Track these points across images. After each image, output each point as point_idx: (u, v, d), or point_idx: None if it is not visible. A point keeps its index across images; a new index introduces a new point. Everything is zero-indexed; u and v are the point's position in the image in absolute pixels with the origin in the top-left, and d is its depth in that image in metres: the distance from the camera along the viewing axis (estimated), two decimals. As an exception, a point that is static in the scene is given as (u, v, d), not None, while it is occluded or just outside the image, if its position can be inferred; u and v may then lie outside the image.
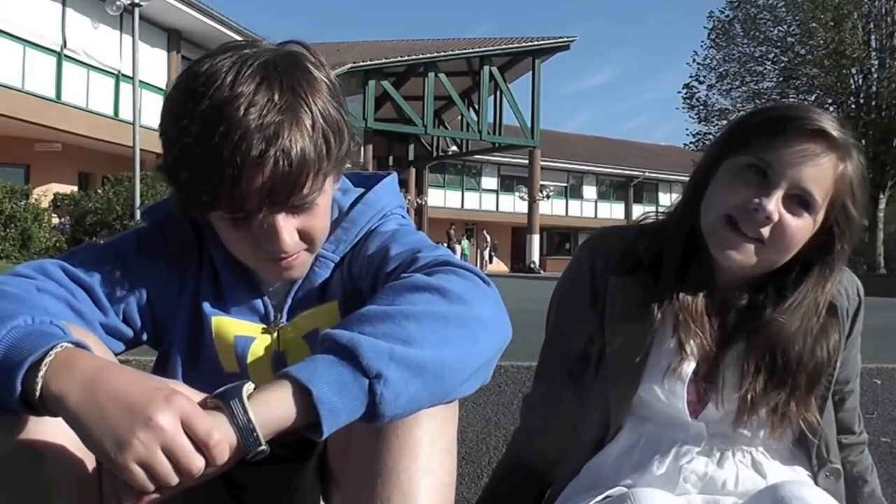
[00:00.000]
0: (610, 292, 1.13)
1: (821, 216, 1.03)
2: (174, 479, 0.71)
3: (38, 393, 0.74)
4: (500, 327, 0.90)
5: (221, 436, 0.73)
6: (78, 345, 0.79)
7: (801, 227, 1.02)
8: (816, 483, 1.10)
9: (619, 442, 1.13)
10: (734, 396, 1.07)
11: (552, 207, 33.37)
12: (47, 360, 0.75)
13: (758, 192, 1.01)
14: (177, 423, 0.71)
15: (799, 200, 1.01)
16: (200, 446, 0.72)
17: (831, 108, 23.38)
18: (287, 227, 0.93)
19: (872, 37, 22.88)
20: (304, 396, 0.76)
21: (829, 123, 1.02)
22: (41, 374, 0.75)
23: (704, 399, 1.09)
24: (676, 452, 1.09)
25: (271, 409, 0.76)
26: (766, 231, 1.01)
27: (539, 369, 1.26)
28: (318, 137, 0.89)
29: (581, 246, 1.22)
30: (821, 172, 1.01)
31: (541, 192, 26.52)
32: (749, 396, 1.05)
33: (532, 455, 1.24)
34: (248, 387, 0.77)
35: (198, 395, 0.78)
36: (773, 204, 1.00)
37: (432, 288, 0.85)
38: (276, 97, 0.87)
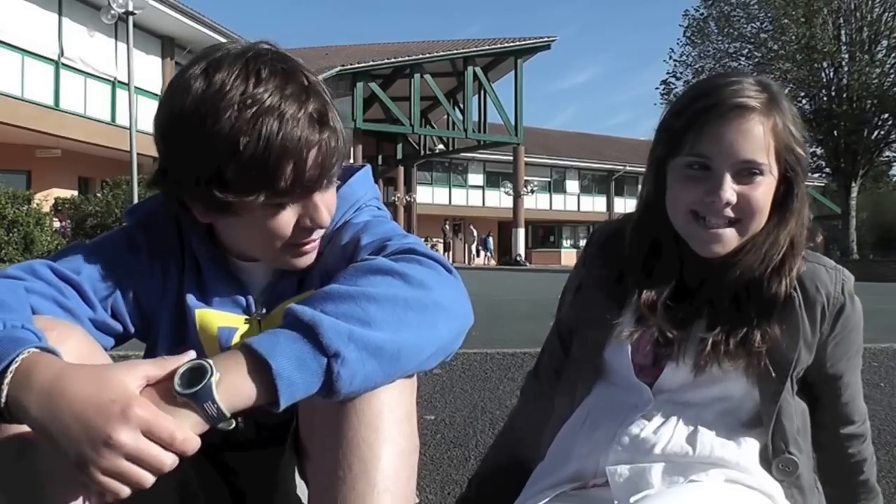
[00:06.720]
0: (588, 262, 1.20)
1: (776, 170, 1.05)
2: (148, 479, 0.73)
3: (2, 402, 0.74)
4: (460, 313, 0.91)
5: (185, 434, 0.74)
6: (46, 349, 0.78)
7: (764, 190, 1.04)
8: (770, 472, 1.07)
9: (586, 405, 1.16)
10: (696, 346, 1.07)
11: (536, 202, 33.40)
12: (13, 367, 0.75)
13: (709, 185, 1.02)
14: (137, 435, 0.71)
15: (749, 171, 1.02)
16: (166, 447, 0.73)
17: (804, 101, 23.29)
18: (323, 202, 0.97)
19: (842, 31, 23.05)
20: (264, 370, 0.77)
21: (747, 93, 1.03)
22: (6, 381, 0.74)
23: (661, 363, 1.11)
24: (626, 416, 1.11)
25: (240, 394, 0.77)
26: (732, 213, 1.03)
27: (545, 343, 1.33)
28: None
29: None
30: (757, 138, 1.01)
31: (525, 187, 26.56)
32: (715, 339, 1.06)
33: (520, 431, 1.32)
34: (216, 377, 0.76)
35: (161, 369, 0.78)
36: (727, 191, 1.01)
37: (394, 272, 0.87)
38: (305, 82, 0.93)
